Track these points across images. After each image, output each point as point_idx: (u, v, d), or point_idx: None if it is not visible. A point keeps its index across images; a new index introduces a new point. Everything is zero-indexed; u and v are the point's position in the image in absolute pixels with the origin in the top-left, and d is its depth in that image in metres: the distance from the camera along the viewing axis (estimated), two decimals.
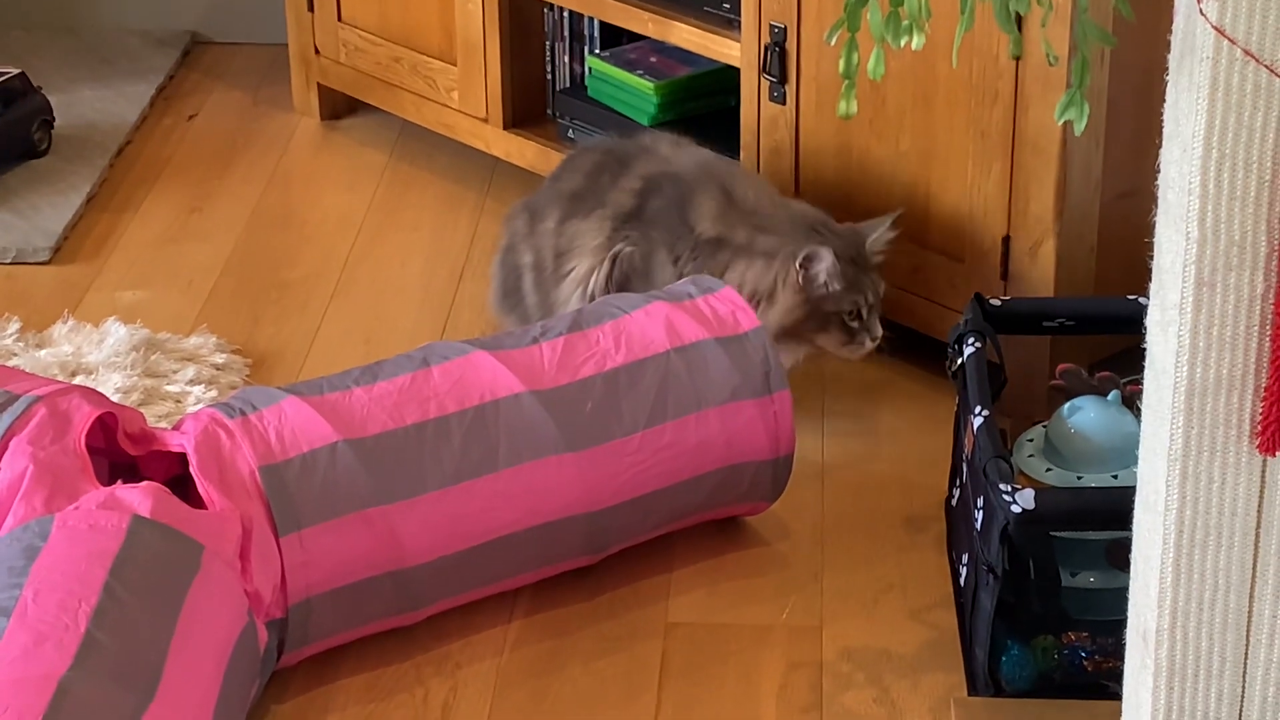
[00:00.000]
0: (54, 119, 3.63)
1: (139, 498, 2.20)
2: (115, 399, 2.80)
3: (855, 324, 2.75)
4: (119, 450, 2.38)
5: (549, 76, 3.44)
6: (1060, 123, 2.33)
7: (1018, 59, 2.65)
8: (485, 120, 3.45)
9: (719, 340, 2.52)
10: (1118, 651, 1.89)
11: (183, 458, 2.33)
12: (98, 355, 2.94)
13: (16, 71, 3.59)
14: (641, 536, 2.53)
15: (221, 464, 2.28)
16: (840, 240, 2.75)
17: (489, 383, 2.41)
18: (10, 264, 3.30)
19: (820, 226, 2.77)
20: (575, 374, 2.45)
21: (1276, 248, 1.59)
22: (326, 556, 2.28)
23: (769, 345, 2.53)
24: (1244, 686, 1.71)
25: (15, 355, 2.94)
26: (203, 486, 2.26)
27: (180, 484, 2.33)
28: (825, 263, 2.70)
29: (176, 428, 2.37)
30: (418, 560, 2.34)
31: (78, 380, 2.86)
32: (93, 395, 2.36)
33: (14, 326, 3.03)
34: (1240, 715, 1.72)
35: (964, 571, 2.37)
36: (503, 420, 2.39)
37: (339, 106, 3.80)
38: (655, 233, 2.84)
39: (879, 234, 2.75)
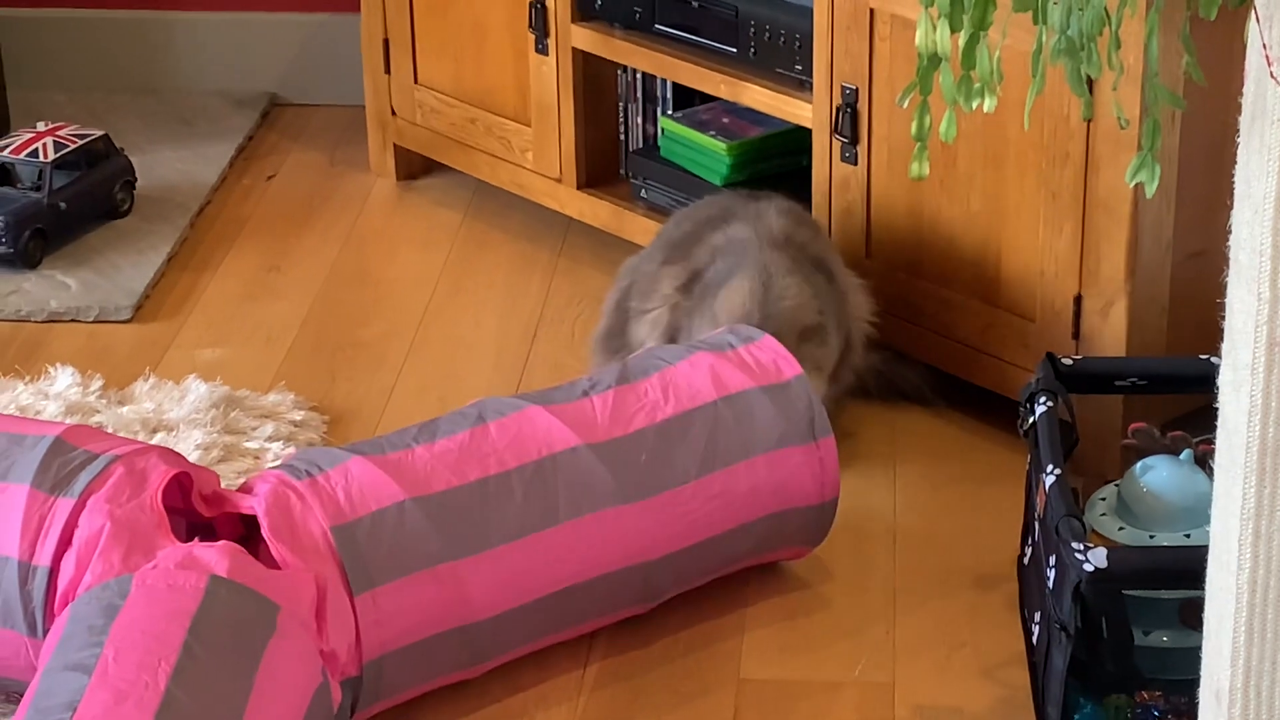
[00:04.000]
0: (136, 179, 3.68)
1: (216, 557, 2.22)
2: (195, 455, 2.83)
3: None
4: (195, 511, 2.40)
5: (622, 137, 3.47)
6: (1131, 184, 2.34)
7: (1089, 121, 2.66)
8: (559, 180, 3.48)
9: (764, 389, 2.53)
10: (1191, 711, 1.89)
11: (254, 518, 2.34)
12: (178, 412, 2.97)
13: (100, 133, 3.64)
14: (692, 584, 2.55)
15: (293, 525, 2.29)
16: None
17: (545, 437, 2.43)
18: (93, 322, 3.34)
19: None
20: (628, 426, 2.47)
21: None
22: (399, 614, 2.30)
23: (812, 392, 2.55)
24: None
25: (98, 412, 2.97)
26: (275, 549, 2.27)
27: (250, 543, 2.34)
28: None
29: (244, 489, 2.38)
30: (484, 615, 2.36)
31: (159, 437, 2.89)
32: (170, 455, 2.38)
33: (97, 384, 3.07)
34: None
35: (1036, 630, 2.37)
36: (561, 474, 2.41)
37: (415, 167, 3.83)
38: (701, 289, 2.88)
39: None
